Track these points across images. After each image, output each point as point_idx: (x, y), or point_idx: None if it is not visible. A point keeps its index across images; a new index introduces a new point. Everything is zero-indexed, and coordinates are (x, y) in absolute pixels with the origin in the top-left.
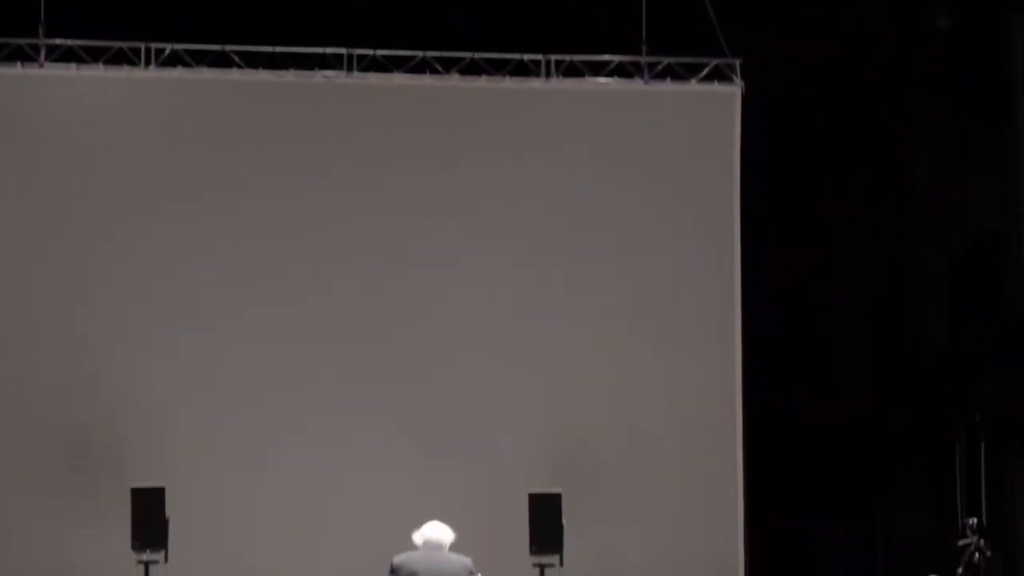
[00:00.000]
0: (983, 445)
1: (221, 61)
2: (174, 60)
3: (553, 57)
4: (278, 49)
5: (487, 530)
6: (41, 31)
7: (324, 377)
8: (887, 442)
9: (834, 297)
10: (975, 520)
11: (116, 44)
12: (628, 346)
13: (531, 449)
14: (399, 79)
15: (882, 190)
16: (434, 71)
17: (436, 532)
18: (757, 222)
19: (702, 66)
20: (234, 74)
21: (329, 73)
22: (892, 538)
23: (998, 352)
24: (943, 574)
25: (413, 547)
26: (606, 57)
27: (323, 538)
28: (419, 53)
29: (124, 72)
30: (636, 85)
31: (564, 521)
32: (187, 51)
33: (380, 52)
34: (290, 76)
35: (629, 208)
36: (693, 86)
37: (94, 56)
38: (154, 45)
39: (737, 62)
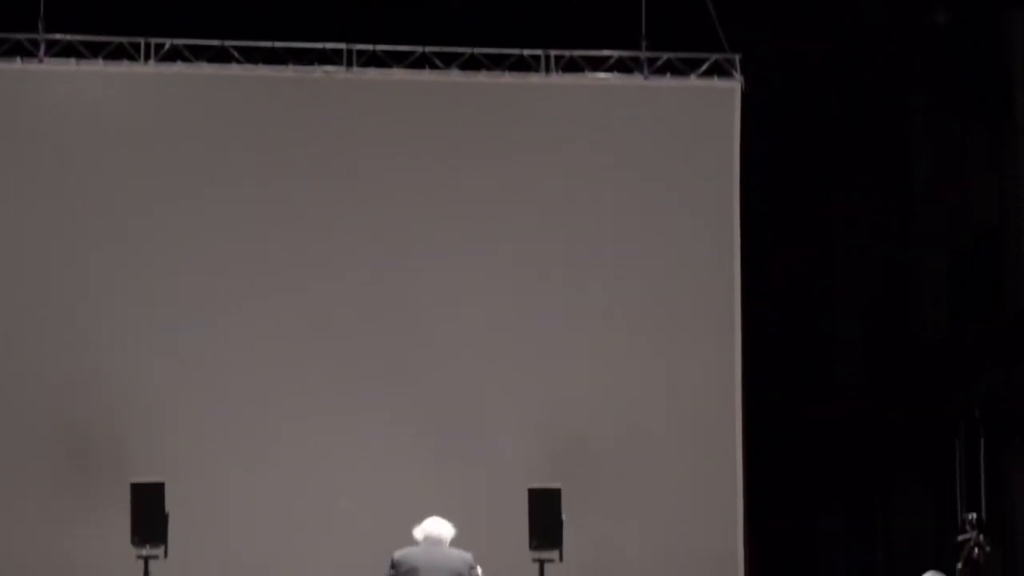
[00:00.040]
0: (982, 441)
1: (221, 56)
2: (173, 55)
3: (553, 52)
4: (277, 44)
5: (487, 525)
6: (41, 26)
7: (324, 373)
8: (887, 438)
9: (834, 294)
10: (974, 516)
11: (115, 39)
12: (628, 342)
13: (531, 445)
14: (398, 74)
15: (882, 186)
16: (433, 66)
17: (437, 527)
18: (757, 219)
19: (702, 61)
20: (233, 69)
21: (328, 68)
22: (892, 534)
23: (998, 348)
24: (943, 570)
25: (413, 542)
26: (606, 52)
27: (323, 533)
28: (418, 48)
29: (123, 67)
30: (636, 80)
31: (564, 516)
32: (186, 46)
33: (379, 47)
34: (289, 71)
35: (629, 204)
36: (693, 81)
37: (93, 51)
38: (153, 40)
39: (737, 57)
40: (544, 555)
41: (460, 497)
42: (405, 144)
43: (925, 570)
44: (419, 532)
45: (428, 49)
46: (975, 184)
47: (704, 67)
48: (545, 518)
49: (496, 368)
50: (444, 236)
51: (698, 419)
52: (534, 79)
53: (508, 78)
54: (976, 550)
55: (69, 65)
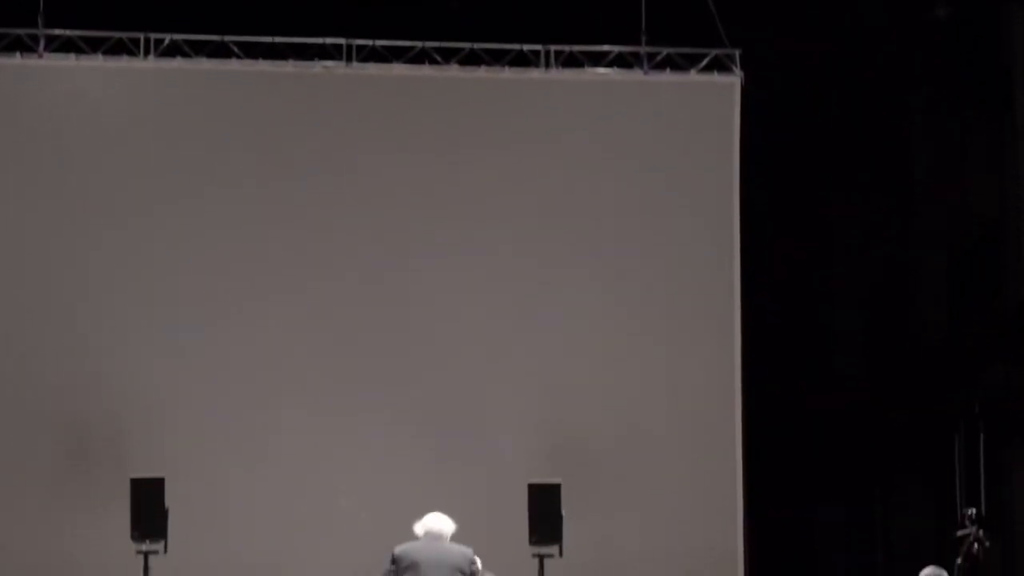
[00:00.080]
0: (982, 436)
1: (220, 51)
2: (173, 50)
3: (552, 47)
4: (277, 39)
5: (487, 521)
6: (40, 21)
7: (323, 370)
8: (886, 433)
9: (834, 290)
10: (974, 511)
11: (115, 34)
12: (627, 338)
13: (531, 442)
14: (398, 69)
15: (881, 182)
16: (433, 61)
17: (437, 523)
18: (756, 214)
19: (702, 56)
20: (233, 64)
21: (328, 63)
22: (891, 529)
23: (997, 344)
24: (942, 565)
25: (414, 538)
26: (605, 47)
27: (323, 530)
28: (418, 43)
29: (123, 62)
30: (635, 75)
31: (564, 511)
32: (186, 41)
33: (379, 42)
34: (289, 66)
35: (628, 199)
36: (693, 76)
37: (93, 46)
38: (153, 35)
39: (736, 52)
40: (544, 550)
41: (460, 494)
42: (405, 140)
43: (924, 565)
44: (420, 528)
45: (428, 44)
46: (975, 181)
47: (704, 62)
48: (545, 513)
49: (496, 365)
50: (444, 233)
51: (698, 414)
52: (534, 74)
53: (508, 73)
54: (975, 545)
55: (69, 61)
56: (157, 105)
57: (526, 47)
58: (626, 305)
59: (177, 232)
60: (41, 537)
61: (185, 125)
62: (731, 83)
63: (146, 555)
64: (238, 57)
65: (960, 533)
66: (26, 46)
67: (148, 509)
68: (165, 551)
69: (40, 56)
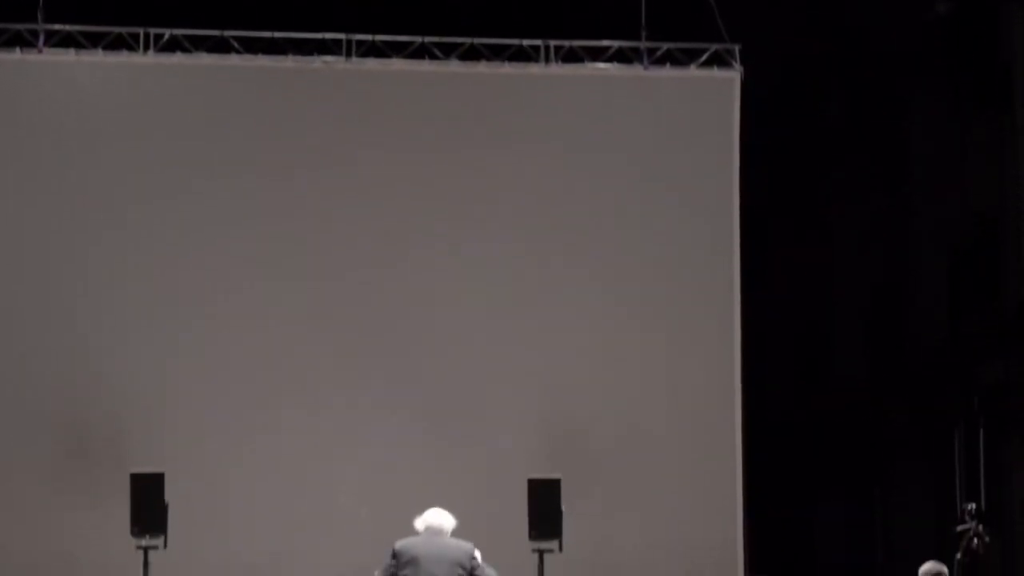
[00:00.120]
0: (982, 432)
1: (220, 46)
2: (173, 45)
3: (552, 43)
4: (277, 34)
5: (487, 516)
6: (40, 16)
7: (323, 366)
8: (886, 430)
9: (834, 286)
10: (973, 506)
11: (115, 30)
12: (627, 334)
13: (531, 438)
14: (398, 64)
15: (881, 178)
16: (433, 56)
17: (438, 518)
18: (756, 209)
19: (701, 51)
20: (233, 59)
21: (328, 58)
22: (891, 524)
23: (996, 341)
24: (942, 559)
25: (415, 533)
26: (605, 42)
27: (323, 524)
28: (418, 39)
29: (123, 58)
30: (635, 70)
31: (563, 507)
32: (186, 36)
33: (379, 37)
34: (289, 61)
35: (628, 194)
36: (692, 71)
37: (93, 41)
38: (153, 30)
39: (736, 48)
40: (544, 545)
41: (460, 489)
42: (405, 135)
43: (924, 561)
44: (420, 523)
45: (428, 39)
46: (975, 178)
47: (704, 57)
48: (545, 509)
49: (496, 362)
50: (444, 227)
51: (698, 411)
52: (534, 69)
53: (508, 68)
54: (975, 540)
55: (68, 55)
56: (157, 100)
57: (526, 42)
58: (625, 302)
59: (177, 227)
60: (41, 533)
61: (185, 120)
62: (731, 78)
63: (146, 550)
64: (238, 52)
65: (960, 528)
66: (26, 41)
67: (148, 504)
68: (165, 546)
69: (40, 51)
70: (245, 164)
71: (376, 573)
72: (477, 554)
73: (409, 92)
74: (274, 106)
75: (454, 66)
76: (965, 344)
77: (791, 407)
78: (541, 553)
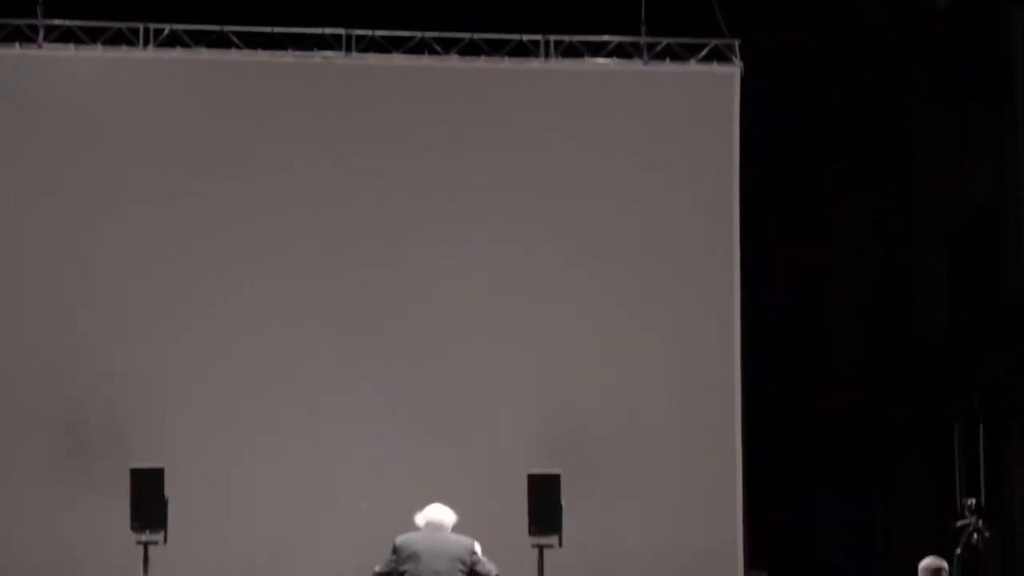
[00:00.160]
0: (981, 428)
1: (220, 42)
2: (173, 41)
3: (552, 37)
4: (277, 30)
5: (487, 511)
6: (39, 11)
7: (324, 360)
8: (886, 426)
9: (833, 281)
10: (973, 501)
11: (115, 25)
12: (627, 330)
13: (531, 433)
14: (398, 60)
15: (881, 171)
16: (433, 52)
17: (438, 514)
18: (756, 205)
19: (701, 46)
20: (233, 55)
21: (328, 54)
22: (891, 520)
23: (996, 336)
24: (942, 555)
25: (415, 528)
26: (605, 37)
27: (323, 519)
28: (418, 34)
29: (123, 53)
30: (635, 65)
31: (563, 502)
32: (186, 32)
33: (379, 32)
34: (289, 57)
35: (628, 190)
36: (692, 67)
37: (92, 37)
38: (153, 25)
39: (736, 42)
40: (543, 540)
41: (461, 484)
42: (404, 130)
43: (924, 556)
44: (421, 518)
45: (427, 34)
46: (975, 171)
47: (704, 52)
48: (545, 503)
49: (496, 358)
50: (444, 222)
51: (697, 404)
52: (533, 64)
53: (507, 63)
54: (975, 535)
55: (68, 51)
56: (157, 95)
57: (526, 37)
58: (625, 298)
59: (177, 222)
60: (41, 529)
61: (184, 116)
62: (731, 73)
63: (146, 545)
64: (237, 47)
65: (960, 523)
66: (25, 36)
67: (148, 499)
68: (165, 541)
69: (39, 46)
70: (245, 160)
71: (376, 568)
72: (477, 548)
73: (409, 87)
74: (273, 101)
75: (454, 61)
76: (965, 340)
77: (791, 402)
78: (541, 548)
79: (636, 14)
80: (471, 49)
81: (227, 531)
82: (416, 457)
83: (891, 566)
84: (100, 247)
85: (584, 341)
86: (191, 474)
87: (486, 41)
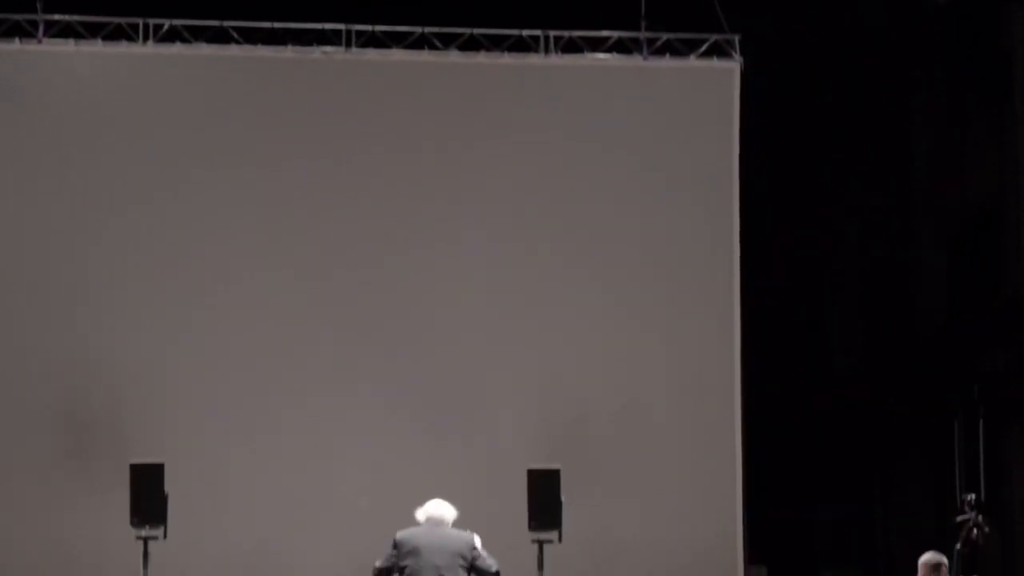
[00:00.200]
0: (981, 423)
1: (220, 37)
2: (172, 36)
3: (552, 33)
4: (277, 25)
5: (487, 507)
6: (39, 7)
7: (323, 356)
8: (886, 421)
9: (833, 277)
10: (973, 496)
11: (114, 20)
12: (627, 326)
13: (531, 428)
14: (398, 55)
15: (881, 168)
16: (433, 47)
17: (438, 509)
18: (756, 199)
19: (701, 42)
20: (233, 50)
21: (328, 49)
22: (891, 518)
23: (996, 331)
24: (941, 550)
25: (416, 524)
26: (605, 33)
27: (323, 514)
28: (418, 29)
29: (122, 48)
30: (635, 61)
31: (563, 497)
32: (185, 27)
33: (379, 28)
34: (289, 52)
35: (627, 186)
36: (692, 62)
37: (92, 32)
38: (152, 21)
39: (736, 38)
40: (543, 536)
41: (461, 480)
42: (404, 125)
43: (924, 549)
44: (421, 514)
45: (427, 30)
46: (974, 167)
47: (703, 48)
48: (544, 499)
49: (496, 354)
50: (443, 217)
51: (698, 407)
52: (533, 60)
53: (507, 59)
54: (975, 531)
55: (68, 46)
56: (156, 91)
57: (526, 32)
58: (625, 294)
59: (176, 217)
60: (41, 524)
61: (184, 111)
62: (730, 68)
63: (145, 540)
64: (237, 42)
65: (960, 519)
66: (25, 31)
67: (147, 494)
68: (164, 537)
69: (39, 42)
70: (244, 155)
71: (377, 563)
72: (478, 542)
73: (409, 82)
74: (273, 96)
75: (454, 56)
76: (964, 335)
77: (790, 398)
78: (541, 543)
79: (636, 10)
80: (471, 44)
81: (227, 524)
82: (416, 456)
83: (891, 564)
84: (100, 246)
85: (584, 341)
86: (191, 471)
87: (486, 37)
